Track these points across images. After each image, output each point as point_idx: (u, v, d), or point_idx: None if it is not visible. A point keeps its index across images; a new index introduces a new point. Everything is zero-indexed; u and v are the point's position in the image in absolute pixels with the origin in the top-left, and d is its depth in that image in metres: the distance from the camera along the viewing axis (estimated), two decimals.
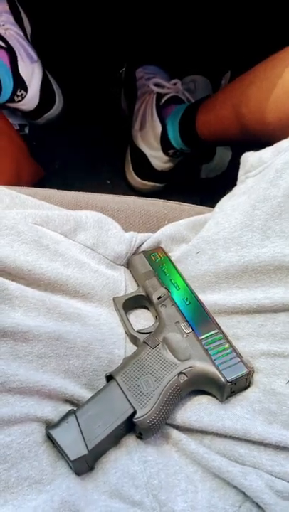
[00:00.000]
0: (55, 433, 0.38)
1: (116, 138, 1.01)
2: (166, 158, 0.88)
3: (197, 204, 0.64)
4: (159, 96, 0.88)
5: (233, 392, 0.42)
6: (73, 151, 1.02)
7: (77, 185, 1.00)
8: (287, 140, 0.50)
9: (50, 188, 0.61)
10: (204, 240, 0.49)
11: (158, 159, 0.88)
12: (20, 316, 0.42)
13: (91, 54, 1.05)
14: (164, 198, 0.64)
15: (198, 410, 0.41)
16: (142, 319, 0.49)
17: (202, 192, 0.97)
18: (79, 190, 0.61)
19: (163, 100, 0.87)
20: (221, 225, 0.49)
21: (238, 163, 0.56)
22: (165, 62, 1.03)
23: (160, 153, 0.87)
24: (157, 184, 0.93)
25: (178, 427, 0.41)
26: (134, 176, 0.94)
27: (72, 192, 0.59)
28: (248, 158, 0.54)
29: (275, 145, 0.51)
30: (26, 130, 1.01)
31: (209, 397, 0.42)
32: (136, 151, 0.91)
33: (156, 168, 0.90)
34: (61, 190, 0.59)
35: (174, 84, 0.90)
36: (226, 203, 0.53)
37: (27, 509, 0.35)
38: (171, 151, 0.86)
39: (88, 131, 1.02)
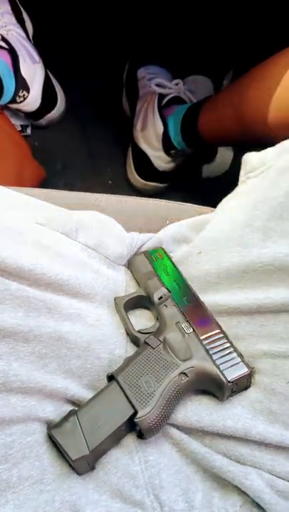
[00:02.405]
0: (56, 433, 0.38)
1: (117, 138, 1.01)
2: (167, 158, 0.88)
3: (199, 204, 0.64)
4: (161, 96, 0.88)
5: (234, 392, 0.42)
6: (75, 152, 1.02)
7: (79, 186, 1.00)
8: (287, 141, 0.50)
9: (52, 188, 0.61)
10: (205, 241, 0.50)
11: (160, 159, 0.89)
12: (21, 316, 0.42)
13: (93, 54, 1.05)
14: (166, 198, 0.64)
15: (199, 410, 0.41)
16: (142, 319, 0.49)
17: (204, 192, 0.97)
18: (81, 191, 0.61)
19: (165, 100, 0.87)
20: (222, 225, 0.49)
21: (240, 164, 0.56)
22: (167, 62, 1.03)
23: (162, 154, 0.87)
24: (159, 184, 0.93)
25: (179, 427, 0.41)
26: (136, 176, 0.94)
27: (74, 192, 0.59)
28: (250, 158, 0.54)
29: (277, 146, 0.51)
30: (28, 131, 1.01)
31: (210, 396, 0.42)
32: (138, 151, 0.92)
33: (158, 168, 0.90)
34: (63, 191, 0.59)
35: (176, 84, 0.90)
36: (227, 203, 0.53)
37: (28, 509, 0.35)
38: (172, 151, 0.86)
39: (90, 131, 1.03)
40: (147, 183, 0.93)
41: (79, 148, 1.02)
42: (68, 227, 0.50)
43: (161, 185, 0.94)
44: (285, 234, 0.43)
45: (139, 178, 0.93)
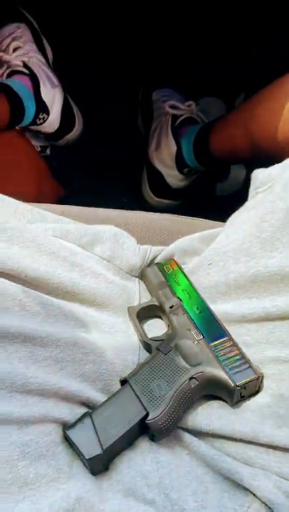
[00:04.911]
0: (71, 433, 0.40)
1: (133, 158, 1.04)
2: (181, 176, 0.91)
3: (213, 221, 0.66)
4: (174, 117, 0.92)
5: (243, 397, 0.43)
6: (92, 171, 1.05)
7: (96, 203, 1.03)
8: None
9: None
10: (215, 252, 0.52)
11: (173, 178, 0.92)
12: (39, 322, 0.44)
13: (110, 78, 1.10)
14: (180, 215, 0.66)
15: (210, 414, 0.43)
16: (155, 328, 0.51)
17: (218, 209, 1.00)
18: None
19: (178, 121, 0.91)
20: (231, 237, 0.51)
21: None
22: (181, 84, 1.07)
23: (175, 172, 0.90)
24: (173, 202, 0.96)
25: (189, 431, 0.43)
26: (151, 194, 0.97)
27: (90, 208, 0.62)
28: (258, 174, 0.56)
29: (284, 162, 0.54)
30: (48, 151, 1.05)
31: (220, 402, 0.44)
32: (152, 170, 0.95)
33: (171, 186, 0.93)
34: (79, 207, 0.62)
35: (189, 106, 0.93)
36: (237, 217, 0.55)
37: (44, 505, 0.37)
38: (185, 170, 0.89)
39: (107, 151, 1.06)
40: (161, 200, 0.95)
41: (96, 168, 1.06)
42: (84, 240, 0.53)
43: (175, 202, 0.96)
44: None
45: (153, 195, 0.96)
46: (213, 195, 1.03)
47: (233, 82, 1.08)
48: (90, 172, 1.05)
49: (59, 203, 0.94)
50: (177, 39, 1.08)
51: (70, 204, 0.65)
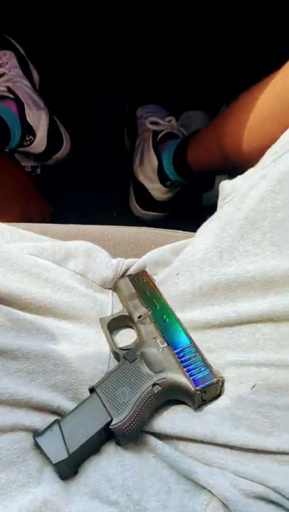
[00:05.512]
0: (40, 440, 0.42)
1: (121, 173, 1.07)
2: (164, 189, 0.94)
3: None
4: (156, 133, 0.95)
5: (205, 401, 0.45)
6: (82, 188, 1.09)
7: (86, 219, 1.06)
8: (253, 168, 0.54)
9: (62, 222, 0.67)
10: (182, 263, 0.54)
11: (157, 191, 0.94)
12: (11, 336, 0.47)
13: (97, 97, 1.13)
14: (167, 226, 0.69)
15: (173, 418, 0.45)
16: (126, 337, 0.53)
17: (204, 219, 1.02)
18: (87, 223, 0.66)
19: (159, 137, 0.94)
20: (197, 247, 0.54)
21: None
22: (165, 100, 1.10)
23: (159, 185, 0.93)
24: (159, 213, 0.99)
25: (155, 434, 0.45)
26: (138, 207, 1.00)
27: (67, 225, 0.65)
28: (225, 185, 0.58)
29: (245, 173, 0.56)
30: (38, 171, 1.09)
31: (184, 406, 0.46)
32: (137, 184, 0.98)
33: (156, 199, 0.96)
34: (57, 224, 0.65)
35: (169, 121, 0.96)
36: (205, 227, 0.58)
37: (13, 508, 0.39)
38: (168, 183, 0.92)
39: (95, 168, 1.09)
40: (147, 212, 0.98)
41: (86, 184, 1.09)
42: (58, 256, 0.55)
43: (161, 214, 0.99)
44: (247, 253, 0.48)
45: (139, 208, 0.99)
46: (200, 205, 1.06)
47: (216, 94, 1.10)
48: (80, 188, 1.08)
49: (51, 220, 0.98)
50: (174, 42, 1.10)
51: (62, 221, 0.68)
